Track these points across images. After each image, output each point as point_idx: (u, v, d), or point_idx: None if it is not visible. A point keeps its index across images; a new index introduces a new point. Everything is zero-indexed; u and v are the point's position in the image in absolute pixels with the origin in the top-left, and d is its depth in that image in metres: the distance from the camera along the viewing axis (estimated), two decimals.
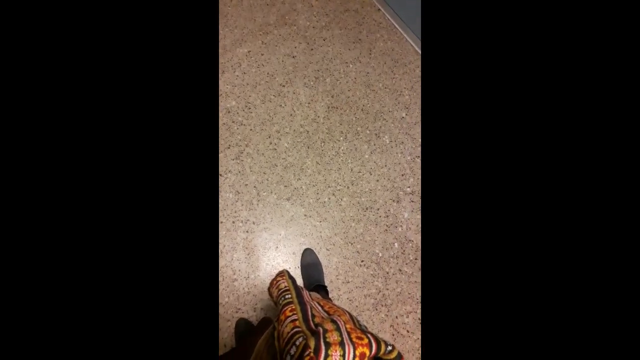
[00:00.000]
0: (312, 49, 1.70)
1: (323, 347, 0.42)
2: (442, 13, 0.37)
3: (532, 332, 0.33)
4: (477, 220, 0.36)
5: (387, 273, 1.35)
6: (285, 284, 0.65)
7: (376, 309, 1.30)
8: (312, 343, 0.43)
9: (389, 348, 0.46)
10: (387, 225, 1.42)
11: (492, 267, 0.35)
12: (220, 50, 1.62)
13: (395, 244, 1.39)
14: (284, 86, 1.60)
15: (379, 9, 1.86)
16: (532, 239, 0.34)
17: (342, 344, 0.43)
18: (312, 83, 1.62)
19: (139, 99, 0.35)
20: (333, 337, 0.45)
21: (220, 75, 1.56)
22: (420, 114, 1.63)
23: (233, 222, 1.34)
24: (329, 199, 1.42)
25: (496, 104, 0.35)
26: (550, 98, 0.34)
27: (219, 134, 1.45)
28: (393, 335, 1.27)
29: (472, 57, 0.36)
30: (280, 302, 0.60)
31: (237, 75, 1.59)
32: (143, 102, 0.35)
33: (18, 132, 0.31)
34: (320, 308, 0.60)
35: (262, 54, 1.65)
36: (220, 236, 1.31)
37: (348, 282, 1.32)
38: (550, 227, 0.33)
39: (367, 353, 0.44)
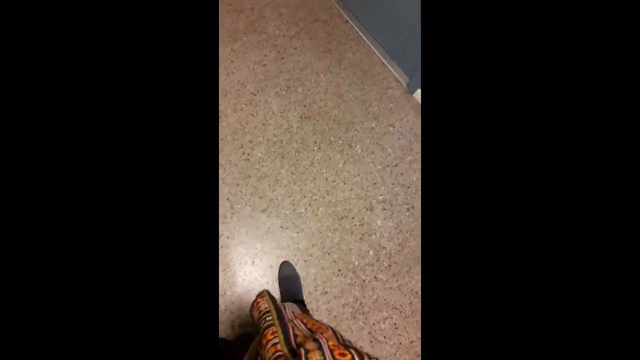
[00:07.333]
0: (282, 58, 1.69)
1: None
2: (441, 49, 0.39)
3: (532, 340, 0.34)
4: (476, 228, 0.36)
5: (364, 281, 1.37)
6: (266, 304, 0.64)
7: (354, 318, 1.32)
8: None
9: None
10: (361, 234, 1.45)
11: (493, 272, 0.35)
12: None
13: (370, 252, 1.43)
14: (255, 95, 1.57)
15: (347, 21, 1.91)
16: (533, 246, 0.34)
17: None
18: (284, 92, 1.61)
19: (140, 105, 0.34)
20: (315, 357, 0.44)
21: None
22: (388, 125, 1.69)
23: None
24: (305, 209, 1.42)
25: (495, 117, 0.36)
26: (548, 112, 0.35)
27: None
28: (371, 342, 1.30)
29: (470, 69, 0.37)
30: (262, 325, 0.59)
31: None
32: (148, 108, 0.35)
33: (17, 132, 0.31)
34: (303, 326, 0.59)
35: (231, 61, 1.60)
36: None
37: (326, 292, 1.32)
38: (550, 238, 0.34)
39: None
